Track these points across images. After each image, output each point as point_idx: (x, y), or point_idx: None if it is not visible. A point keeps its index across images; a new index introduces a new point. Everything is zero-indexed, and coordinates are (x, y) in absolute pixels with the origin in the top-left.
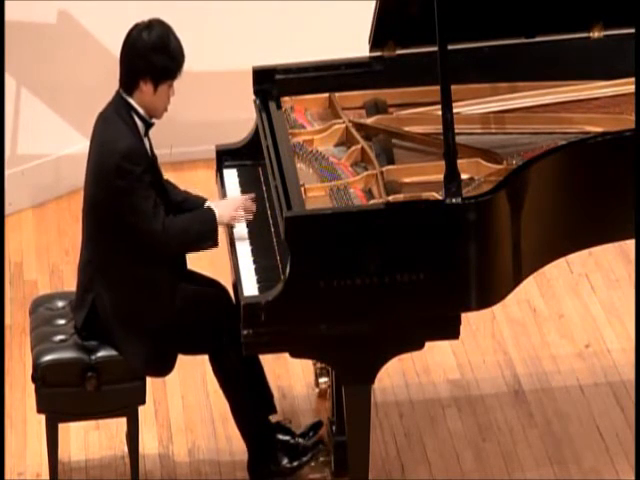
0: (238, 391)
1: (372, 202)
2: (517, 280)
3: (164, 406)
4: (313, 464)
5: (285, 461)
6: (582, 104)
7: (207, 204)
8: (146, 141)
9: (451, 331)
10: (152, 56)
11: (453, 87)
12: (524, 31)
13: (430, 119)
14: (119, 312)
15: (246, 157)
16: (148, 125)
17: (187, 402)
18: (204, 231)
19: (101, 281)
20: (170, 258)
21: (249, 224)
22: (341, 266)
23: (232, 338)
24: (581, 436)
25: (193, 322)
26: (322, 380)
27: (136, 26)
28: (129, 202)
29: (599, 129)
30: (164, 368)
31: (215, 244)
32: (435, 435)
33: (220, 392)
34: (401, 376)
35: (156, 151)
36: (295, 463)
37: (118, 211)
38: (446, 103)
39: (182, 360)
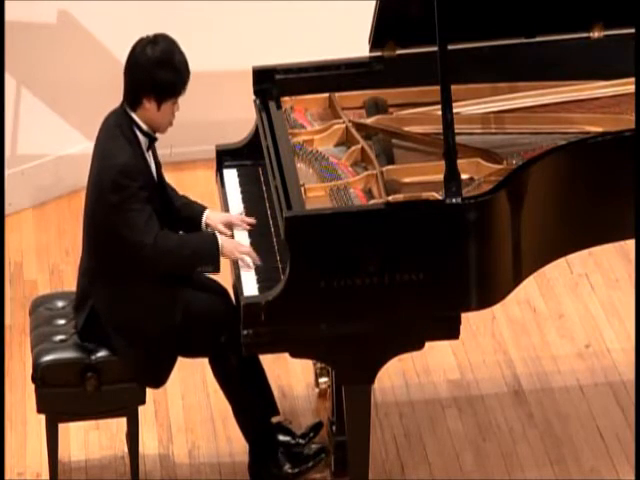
0: (239, 393)
1: (372, 202)
2: (517, 280)
3: (164, 406)
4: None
5: (287, 466)
6: (582, 104)
7: (206, 214)
8: (149, 154)
9: (451, 331)
10: (156, 71)
11: (453, 87)
12: (524, 31)
13: (430, 119)
14: (117, 321)
15: (246, 157)
16: (152, 139)
17: (187, 402)
18: (201, 254)
19: (97, 290)
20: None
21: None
22: (341, 266)
23: (232, 340)
24: (581, 436)
25: (193, 325)
26: (322, 380)
27: (140, 41)
28: (122, 216)
29: (599, 129)
30: (158, 380)
31: (217, 269)
32: (435, 435)
33: (220, 392)
34: (401, 376)
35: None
36: (297, 469)
37: (112, 225)
38: (446, 103)
39: (182, 360)
